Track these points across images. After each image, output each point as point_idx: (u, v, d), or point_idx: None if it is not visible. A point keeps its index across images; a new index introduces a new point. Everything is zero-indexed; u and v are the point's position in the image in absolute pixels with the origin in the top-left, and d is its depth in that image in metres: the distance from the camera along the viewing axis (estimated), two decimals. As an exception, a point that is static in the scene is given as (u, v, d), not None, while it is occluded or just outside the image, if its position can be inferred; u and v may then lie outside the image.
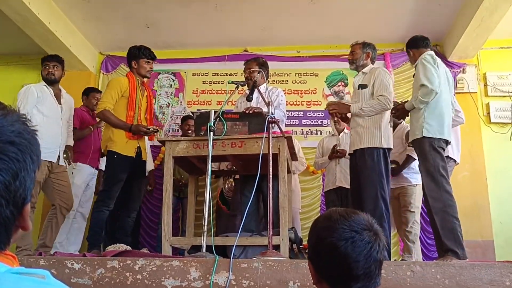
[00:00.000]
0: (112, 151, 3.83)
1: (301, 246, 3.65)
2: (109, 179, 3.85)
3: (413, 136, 3.57)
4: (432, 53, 3.69)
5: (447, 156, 3.90)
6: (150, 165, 5.20)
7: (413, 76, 3.83)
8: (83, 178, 4.74)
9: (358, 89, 3.85)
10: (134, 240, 5.13)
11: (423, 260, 4.70)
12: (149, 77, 4.21)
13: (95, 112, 4.99)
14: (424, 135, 3.44)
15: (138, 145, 3.93)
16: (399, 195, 4.58)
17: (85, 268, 2.64)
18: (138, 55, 4.02)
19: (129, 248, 3.33)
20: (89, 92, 5.14)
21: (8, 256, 0.70)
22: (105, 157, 3.98)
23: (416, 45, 3.83)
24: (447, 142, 3.53)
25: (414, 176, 4.49)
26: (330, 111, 4.01)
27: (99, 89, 5.62)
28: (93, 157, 4.80)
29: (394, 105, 3.83)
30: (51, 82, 4.12)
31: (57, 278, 0.67)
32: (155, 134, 4.14)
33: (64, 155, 4.14)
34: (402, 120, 4.58)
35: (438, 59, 3.63)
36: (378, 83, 3.72)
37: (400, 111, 3.75)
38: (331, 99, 6.37)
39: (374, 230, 1.23)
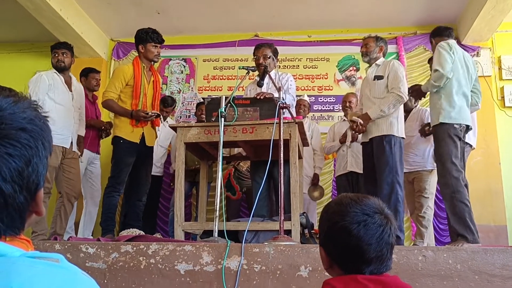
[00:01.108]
0: (118, 137, 3.89)
1: (312, 231, 3.66)
2: (116, 164, 3.90)
3: (432, 122, 3.67)
4: (451, 41, 3.75)
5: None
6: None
7: (428, 62, 3.90)
8: (83, 163, 4.74)
9: (374, 80, 3.89)
10: (151, 225, 5.18)
11: (436, 245, 4.69)
12: (157, 61, 4.16)
13: (94, 93, 5.02)
14: (440, 121, 3.50)
15: (142, 131, 3.95)
16: (414, 180, 4.57)
17: (99, 252, 2.68)
18: (146, 38, 3.99)
19: (142, 233, 3.38)
20: (88, 73, 5.03)
21: (23, 241, 0.72)
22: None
23: (439, 34, 3.89)
24: (467, 127, 3.57)
25: (429, 161, 4.48)
26: (358, 132, 3.95)
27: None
28: (92, 142, 4.78)
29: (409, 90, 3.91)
30: (61, 69, 4.14)
31: (72, 262, 0.68)
32: (155, 119, 4.08)
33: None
34: (416, 104, 4.64)
35: (456, 47, 3.68)
36: (392, 75, 3.79)
37: (416, 91, 3.89)
38: (343, 84, 6.33)
39: (385, 213, 1.24)
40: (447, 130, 3.47)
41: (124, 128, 3.89)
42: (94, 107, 4.98)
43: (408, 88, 3.89)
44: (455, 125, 3.48)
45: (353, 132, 4.07)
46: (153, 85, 4.09)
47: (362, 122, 3.78)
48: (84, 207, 4.82)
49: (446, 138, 3.46)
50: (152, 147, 4.13)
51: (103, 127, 4.82)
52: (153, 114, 3.93)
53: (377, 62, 3.98)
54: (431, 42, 3.99)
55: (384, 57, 4.06)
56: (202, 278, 2.56)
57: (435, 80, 3.54)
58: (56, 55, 4.15)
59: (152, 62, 4.11)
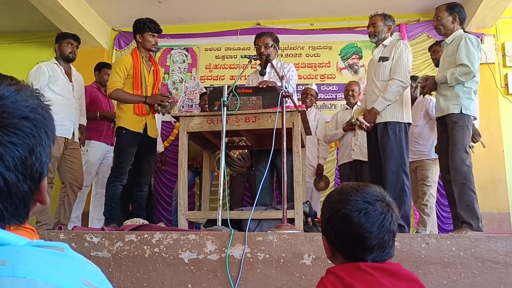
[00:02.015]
0: (121, 127, 3.89)
1: (315, 219, 3.67)
2: (119, 154, 3.91)
3: (446, 111, 3.50)
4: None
5: None
6: (160, 147, 5.20)
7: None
8: (98, 156, 4.78)
9: (379, 61, 3.77)
10: (149, 214, 5.19)
11: (439, 233, 4.70)
12: (155, 50, 4.10)
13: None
14: (463, 112, 3.42)
15: (145, 122, 3.94)
16: (417, 169, 4.57)
17: (104, 241, 2.69)
18: (143, 28, 3.96)
19: (146, 222, 3.39)
20: (101, 68, 5.08)
21: (27, 230, 0.72)
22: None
23: (457, 13, 3.67)
24: (474, 118, 3.58)
25: (433, 150, 4.47)
26: (367, 130, 3.84)
27: (112, 65, 5.61)
28: (107, 134, 4.82)
29: (415, 79, 3.79)
30: (70, 60, 4.18)
31: (77, 251, 0.68)
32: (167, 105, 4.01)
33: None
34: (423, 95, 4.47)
35: (481, 44, 3.60)
36: (396, 58, 3.67)
37: (430, 85, 3.63)
38: (345, 72, 6.30)
39: (387, 201, 1.24)
40: (467, 121, 3.43)
41: (126, 118, 3.89)
42: (108, 100, 4.98)
43: (419, 82, 3.75)
44: (472, 117, 3.47)
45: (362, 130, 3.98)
46: (153, 75, 4.05)
47: (368, 125, 3.71)
48: (92, 196, 4.84)
49: (465, 128, 3.41)
50: (155, 139, 4.11)
51: (115, 119, 4.83)
52: (170, 97, 3.91)
53: (384, 42, 3.82)
54: (439, 16, 3.68)
55: (391, 36, 3.89)
56: (206, 266, 2.57)
57: (461, 75, 3.40)
58: (71, 46, 4.16)
59: (151, 52, 4.07)
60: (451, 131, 3.46)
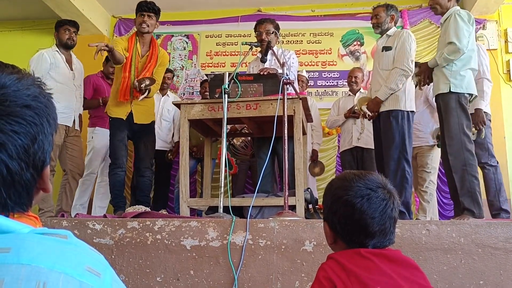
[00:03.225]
0: (108, 115, 3.95)
1: (316, 206, 3.68)
2: (110, 141, 3.94)
3: (437, 91, 3.44)
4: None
5: (485, 112, 3.90)
6: (176, 137, 5.13)
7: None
8: (103, 142, 4.76)
9: (382, 51, 3.79)
10: (163, 198, 5.19)
11: (439, 219, 4.72)
12: (144, 31, 3.87)
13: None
14: (451, 90, 3.33)
15: (131, 110, 3.88)
16: (417, 155, 4.57)
17: (106, 228, 2.71)
18: (136, 10, 3.93)
19: (148, 209, 3.41)
20: (109, 60, 5.03)
21: (30, 217, 0.72)
22: None
23: None
24: (471, 96, 3.43)
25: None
26: (371, 119, 3.84)
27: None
28: (107, 120, 4.81)
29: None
30: (69, 47, 4.16)
31: (80, 238, 0.68)
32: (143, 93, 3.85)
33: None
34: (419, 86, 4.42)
35: (473, 18, 3.45)
36: (399, 47, 3.66)
37: (425, 74, 3.53)
38: (347, 59, 6.27)
39: (388, 189, 1.26)
40: (459, 99, 3.31)
41: (110, 105, 3.92)
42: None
43: (416, 74, 3.66)
44: (466, 95, 3.34)
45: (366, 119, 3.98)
46: (146, 59, 3.93)
47: (371, 114, 3.71)
48: (97, 184, 4.86)
49: (457, 108, 3.30)
50: (148, 124, 4.03)
51: None
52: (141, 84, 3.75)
53: (388, 32, 3.84)
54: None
55: (395, 25, 3.89)
56: (208, 253, 2.59)
57: (449, 54, 3.31)
58: (68, 32, 4.13)
59: (145, 34, 3.91)
60: (445, 115, 3.37)
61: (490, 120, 4.12)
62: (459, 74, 3.35)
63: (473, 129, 3.72)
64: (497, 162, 4.04)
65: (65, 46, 4.14)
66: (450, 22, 3.41)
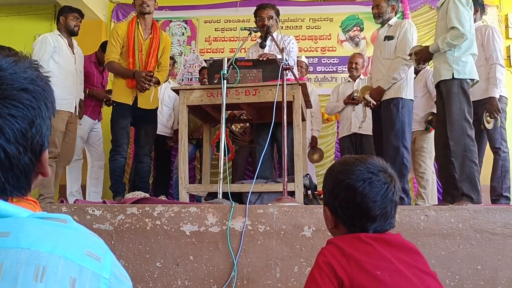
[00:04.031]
0: (113, 101, 3.94)
1: (315, 192, 3.69)
2: (112, 127, 3.92)
3: (438, 77, 3.41)
4: None
5: (501, 96, 3.88)
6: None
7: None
8: (84, 129, 4.73)
9: (384, 40, 3.82)
10: (165, 183, 5.20)
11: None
12: (144, 12, 3.85)
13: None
14: (454, 76, 3.30)
15: (136, 93, 3.87)
16: (415, 140, 4.59)
17: (105, 214, 2.72)
18: None
19: (147, 195, 3.41)
20: (105, 48, 4.97)
21: (30, 202, 0.72)
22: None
23: None
24: (472, 81, 3.40)
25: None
26: (373, 107, 3.83)
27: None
28: (94, 109, 4.77)
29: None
30: (74, 34, 4.17)
31: (79, 224, 0.68)
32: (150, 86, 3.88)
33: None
34: (425, 65, 4.43)
35: (471, 2, 3.40)
36: (401, 37, 3.71)
37: (422, 54, 3.52)
38: (346, 44, 6.23)
39: (389, 172, 1.26)
40: (461, 85, 3.29)
41: (117, 91, 3.90)
42: (102, 76, 4.90)
43: (414, 53, 3.59)
44: (468, 80, 3.32)
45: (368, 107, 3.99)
46: (149, 42, 3.92)
47: (374, 103, 3.74)
48: (89, 169, 4.85)
49: (460, 94, 3.28)
50: (151, 110, 4.03)
51: (104, 99, 4.78)
52: (150, 75, 3.80)
53: (389, 22, 3.89)
54: None
55: (395, 15, 3.93)
56: (207, 238, 2.60)
57: (452, 39, 3.27)
58: (76, 19, 4.15)
59: (145, 16, 3.88)
60: (447, 100, 3.35)
61: (506, 104, 4.09)
62: (461, 60, 3.34)
63: (489, 118, 3.72)
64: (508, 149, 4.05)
65: (71, 33, 4.15)
66: (449, 6, 3.36)
